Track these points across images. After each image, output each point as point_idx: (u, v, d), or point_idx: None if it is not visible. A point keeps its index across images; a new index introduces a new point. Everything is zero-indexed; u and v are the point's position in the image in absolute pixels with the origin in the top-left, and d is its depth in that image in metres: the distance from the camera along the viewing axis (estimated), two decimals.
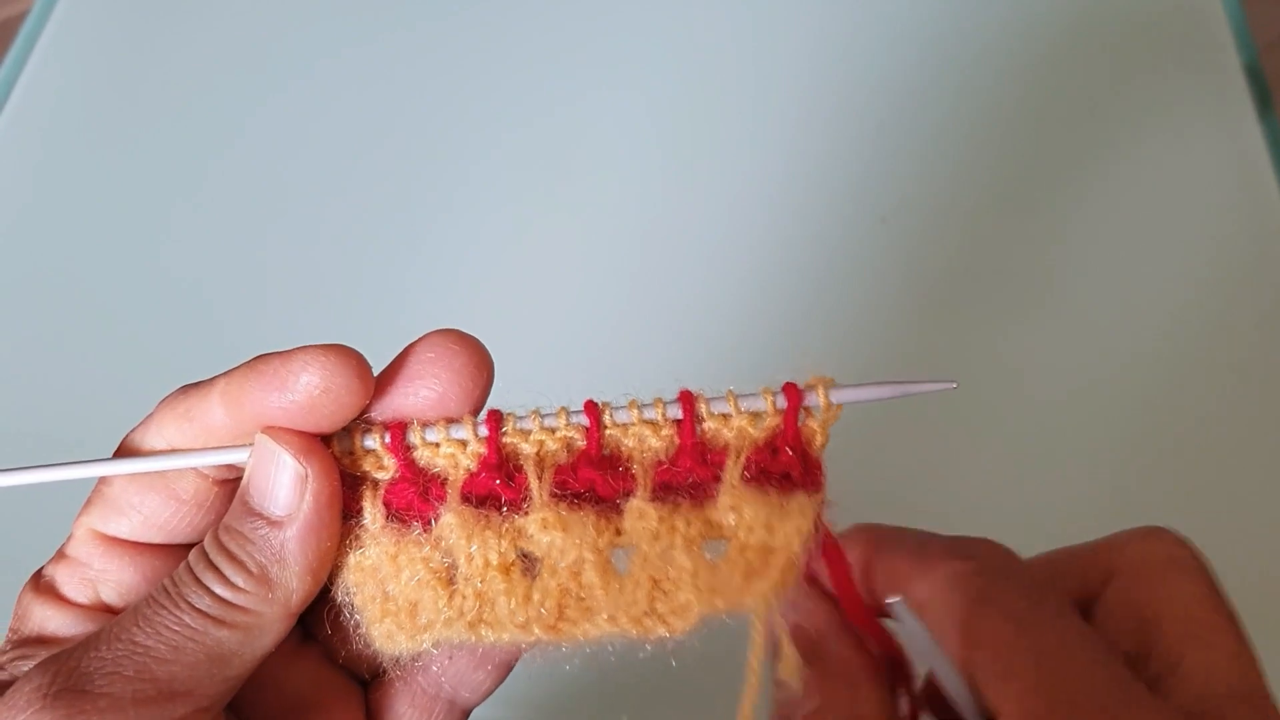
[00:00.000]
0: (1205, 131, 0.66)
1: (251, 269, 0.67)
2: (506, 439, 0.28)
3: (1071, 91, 0.69)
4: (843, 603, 0.30)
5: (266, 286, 0.66)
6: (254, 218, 0.69)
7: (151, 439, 0.29)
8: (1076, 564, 0.30)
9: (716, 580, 0.28)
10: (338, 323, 0.64)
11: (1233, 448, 0.56)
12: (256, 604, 0.28)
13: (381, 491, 0.29)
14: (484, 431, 0.28)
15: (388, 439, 0.28)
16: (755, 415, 0.28)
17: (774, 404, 0.28)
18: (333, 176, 0.70)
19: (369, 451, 0.29)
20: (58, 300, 0.67)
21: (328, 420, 0.28)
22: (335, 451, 0.29)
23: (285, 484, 0.28)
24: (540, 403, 0.29)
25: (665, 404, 0.28)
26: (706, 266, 0.64)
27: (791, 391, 0.28)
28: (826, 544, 0.29)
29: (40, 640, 0.29)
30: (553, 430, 0.28)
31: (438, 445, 0.28)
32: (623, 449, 0.28)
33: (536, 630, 0.28)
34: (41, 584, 0.29)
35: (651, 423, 0.28)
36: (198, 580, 0.27)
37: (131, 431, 0.29)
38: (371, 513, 0.29)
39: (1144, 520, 0.52)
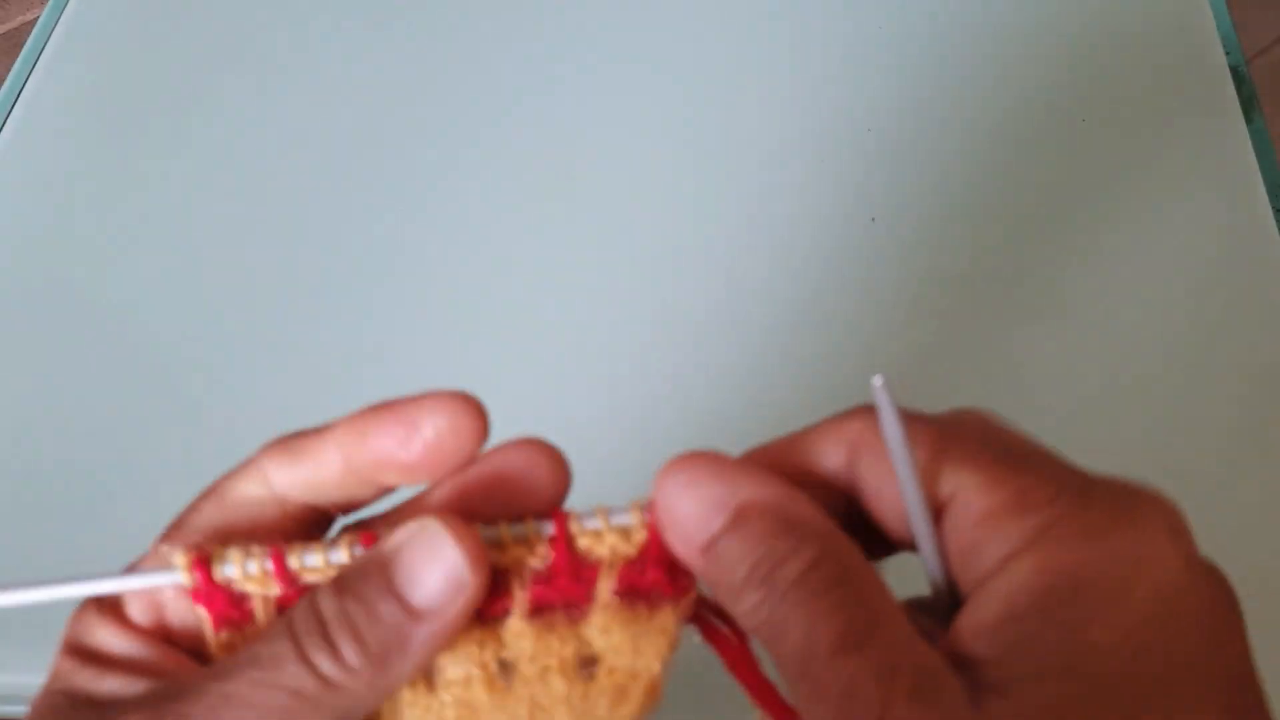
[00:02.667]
0: (1194, 136, 0.67)
1: (254, 272, 0.68)
2: None
3: (1062, 96, 0.70)
4: (751, 693, 0.28)
5: (269, 289, 0.67)
6: (259, 223, 0.70)
7: (248, 485, 0.28)
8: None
9: (588, 705, 0.27)
10: (338, 326, 0.65)
11: (1230, 449, 0.57)
12: (364, 688, 0.26)
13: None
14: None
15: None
16: (625, 531, 0.28)
17: (641, 519, 0.28)
18: (337, 184, 0.71)
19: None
20: (60, 306, 0.68)
21: (443, 466, 0.28)
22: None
23: (440, 581, 0.26)
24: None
25: (537, 521, 0.28)
26: (690, 268, 0.65)
27: (654, 508, 0.28)
28: (714, 638, 0.29)
29: (100, 657, 0.28)
30: None
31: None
32: (499, 565, 0.28)
33: None
34: (105, 602, 0.28)
35: (525, 541, 0.28)
36: (304, 657, 0.25)
37: (227, 476, 0.29)
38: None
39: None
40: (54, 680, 0.28)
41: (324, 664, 0.25)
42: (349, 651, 0.26)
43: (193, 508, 0.29)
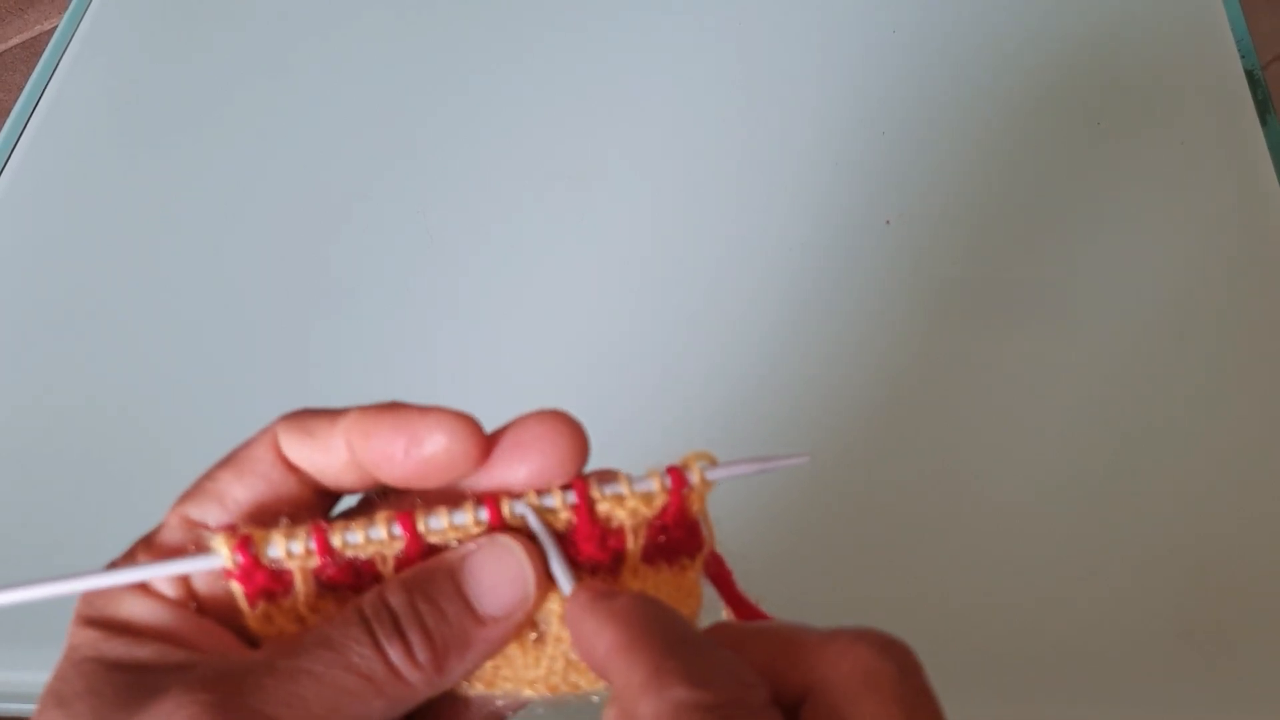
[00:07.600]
0: (1209, 139, 0.67)
1: (268, 269, 0.68)
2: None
3: (1077, 100, 0.70)
4: (736, 612, 0.31)
5: (283, 286, 0.68)
6: (271, 224, 0.71)
7: (264, 454, 0.29)
8: (783, 661, 0.26)
9: None
10: (349, 324, 0.65)
11: (1248, 451, 0.57)
12: (424, 683, 0.27)
13: None
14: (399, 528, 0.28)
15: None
16: (647, 496, 0.29)
17: (662, 484, 0.29)
18: (350, 187, 0.72)
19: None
20: (75, 308, 0.69)
21: (435, 481, 0.28)
22: None
23: (509, 597, 0.28)
24: None
25: (562, 490, 0.29)
26: (706, 269, 0.65)
27: (676, 474, 0.29)
28: (712, 572, 0.30)
29: (130, 628, 0.28)
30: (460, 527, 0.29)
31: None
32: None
33: (479, 687, 0.29)
34: None
35: (551, 511, 0.29)
36: (376, 644, 0.27)
37: (243, 445, 0.29)
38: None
39: (1165, 524, 0.53)
40: (76, 650, 0.27)
41: (394, 654, 0.27)
42: (418, 645, 0.27)
43: (210, 475, 0.29)
